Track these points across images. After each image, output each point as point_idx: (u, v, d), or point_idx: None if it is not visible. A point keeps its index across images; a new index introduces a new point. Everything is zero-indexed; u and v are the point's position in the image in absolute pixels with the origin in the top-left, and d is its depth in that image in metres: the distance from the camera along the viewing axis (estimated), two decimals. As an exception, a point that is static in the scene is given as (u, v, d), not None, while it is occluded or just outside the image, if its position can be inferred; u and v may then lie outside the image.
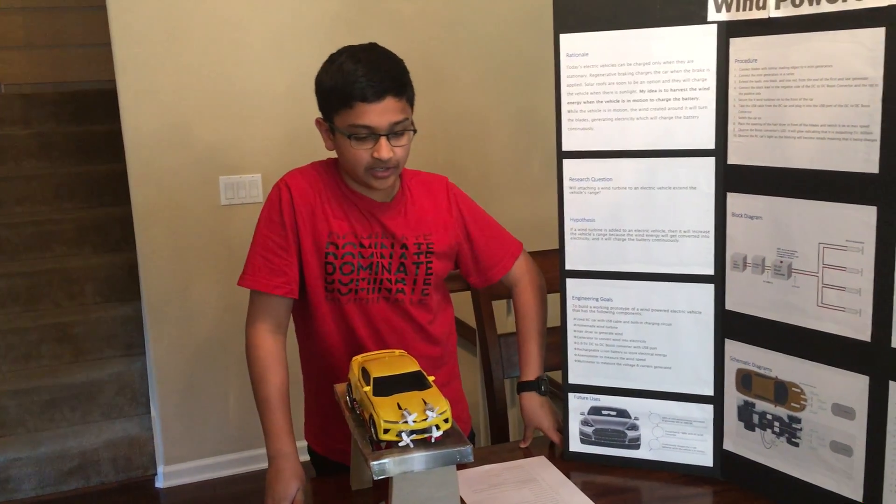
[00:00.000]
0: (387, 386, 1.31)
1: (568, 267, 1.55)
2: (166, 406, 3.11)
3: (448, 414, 1.26)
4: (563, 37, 1.49)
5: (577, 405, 1.59)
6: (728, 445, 1.49)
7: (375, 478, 1.22)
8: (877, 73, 1.20)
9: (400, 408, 1.25)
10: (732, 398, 1.48)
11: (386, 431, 1.23)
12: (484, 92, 3.32)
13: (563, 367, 1.59)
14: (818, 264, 1.32)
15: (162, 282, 3.04)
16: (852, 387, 1.29)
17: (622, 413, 1.56)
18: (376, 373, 1.33)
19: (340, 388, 1.48)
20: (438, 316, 1.69)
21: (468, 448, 1.25)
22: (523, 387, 1.70)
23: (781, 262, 1.37)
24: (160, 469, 3.15)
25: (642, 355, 1.53)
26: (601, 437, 1.58)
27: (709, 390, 1.50)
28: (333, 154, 1.61)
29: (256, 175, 3.06)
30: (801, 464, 1.38)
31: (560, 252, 1.56)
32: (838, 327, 1.30)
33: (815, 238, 1.32)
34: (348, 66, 1.48)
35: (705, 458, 1.52)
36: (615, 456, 1.57)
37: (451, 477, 1.26)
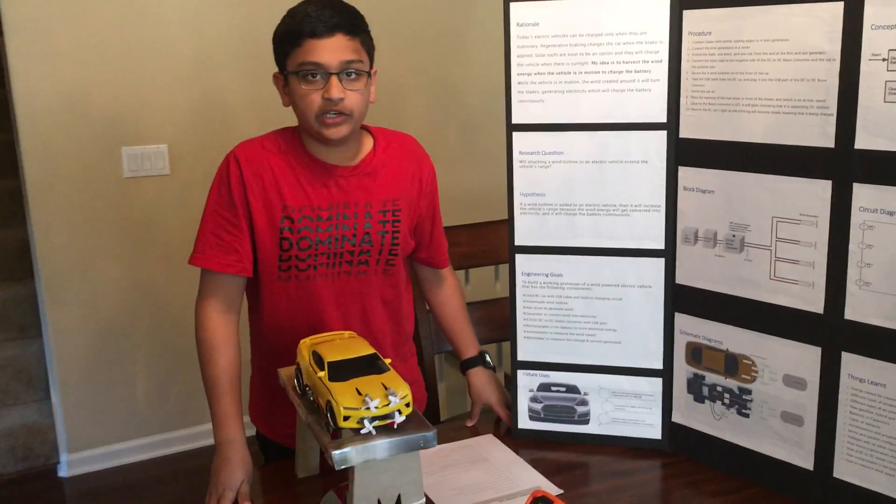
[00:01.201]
0: (343, 370, 1.25)
1: (517, 242, 1.53)
2: (68, 391, 2.94)
3: (409, 398, 1.22)
4: (513, 5, 1.45)
5: (526, 382, 1.57)
6: (677, 418, 1.51)
7: (336, 468, 1.16)
8: (834, 47, 1.21)
9: (360, 393, 1.20)
10: (682, 371, 1.49)
11: (346, 419, 1.18)
12: (398, 60, 3.24)
13: (511, 344, 1.57)
14: (771, 238, 1.33)
15: (60, 259, 2.85)
16: (804, 358, 1.32)
17: (572, 389, 1.56)
18: (330, 357, 1.26)
19: (286, 372, 1.41)
20: (403, 293, 1.63)
21: (432, 433, 1.20)
22: (469, 363, 1.68)
23: (734, 235, 1.38)
24: (63, 457, 2.98)
25: (592, 331, 1.52)
26: (550, 414, 1.57)
27: (658, 364, 1.50)
28: (293, 120, 1.54)
29: (162, 145, 2.90)
30: (751, 434, 1.41)
31: (510, 227, 1.53)
32: (791, 300, 1.32)
33: (769, 212, 1.33)
34: (300, 8, 1.45)
35: (654, 431, 1.53)
36: (564, 432, 1.56)
37: (414, 463, 1.22)
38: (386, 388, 1.21)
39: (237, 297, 1.51)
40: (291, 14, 1.46)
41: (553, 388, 1.56)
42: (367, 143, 1.57)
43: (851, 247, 1.24)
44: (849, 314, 1.25)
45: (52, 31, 2.69)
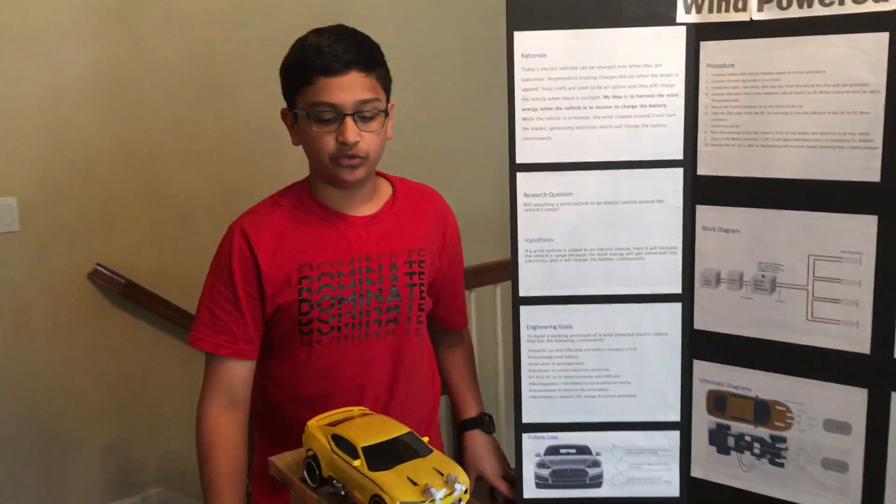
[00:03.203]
0: (382, 456, 1.05)
1: (522, 293, 1.38)
2: None
3: (468, 483, 1.04)
4: (517, 35, 1.32)
5: (532, 446, 1.42)
6: (697, 472, 1.41)
7: (401, 576, 0.96)
8: (879, 79, 1.18)
9: (413, 483, 1.01)
10: (702, 422, 1.40)
11: (405, 515, 0.98)
12: (275, 101, 3.00)
13: (515, 406, 1.42)
14: (808, 277, 1.27)
15: None
16: (848, 401, 1.26)
17: (582, 450, 1.42)
18: (362, 441, 1.06)
19: (282, 461, 1.18)
20: (429, 355, 1.45)
21: (498, 522, 1.03)
22: (467, 425, 1.52)
23: (763, 276, 1.31)
24: None
25: (605, 385, 1.41)
26: (559, 479, 1.43)
27: (675, 416, 1.41)
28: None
29: (10, 198, 2.50)
30: (786, 484, 1.33)
31: (513, 277, 1.38)
32: (832, 341, 1.26)
33: (804, 250, 1.27)
34: (311, 39, 1.30)
35: (671, 489, 1.42)
36: (575, 498, 1.43)
37: (480, 559, 1.04)
38: (441, 474, 1.03)
39: (241, 388, 1.29)
40: (301, 47, 1.30)
41: (562, 451, 1.43)
42: (385, 190, 1.40)
43: (900, 283, 1.20)
44: (898, 353, 1.22)
45: None
